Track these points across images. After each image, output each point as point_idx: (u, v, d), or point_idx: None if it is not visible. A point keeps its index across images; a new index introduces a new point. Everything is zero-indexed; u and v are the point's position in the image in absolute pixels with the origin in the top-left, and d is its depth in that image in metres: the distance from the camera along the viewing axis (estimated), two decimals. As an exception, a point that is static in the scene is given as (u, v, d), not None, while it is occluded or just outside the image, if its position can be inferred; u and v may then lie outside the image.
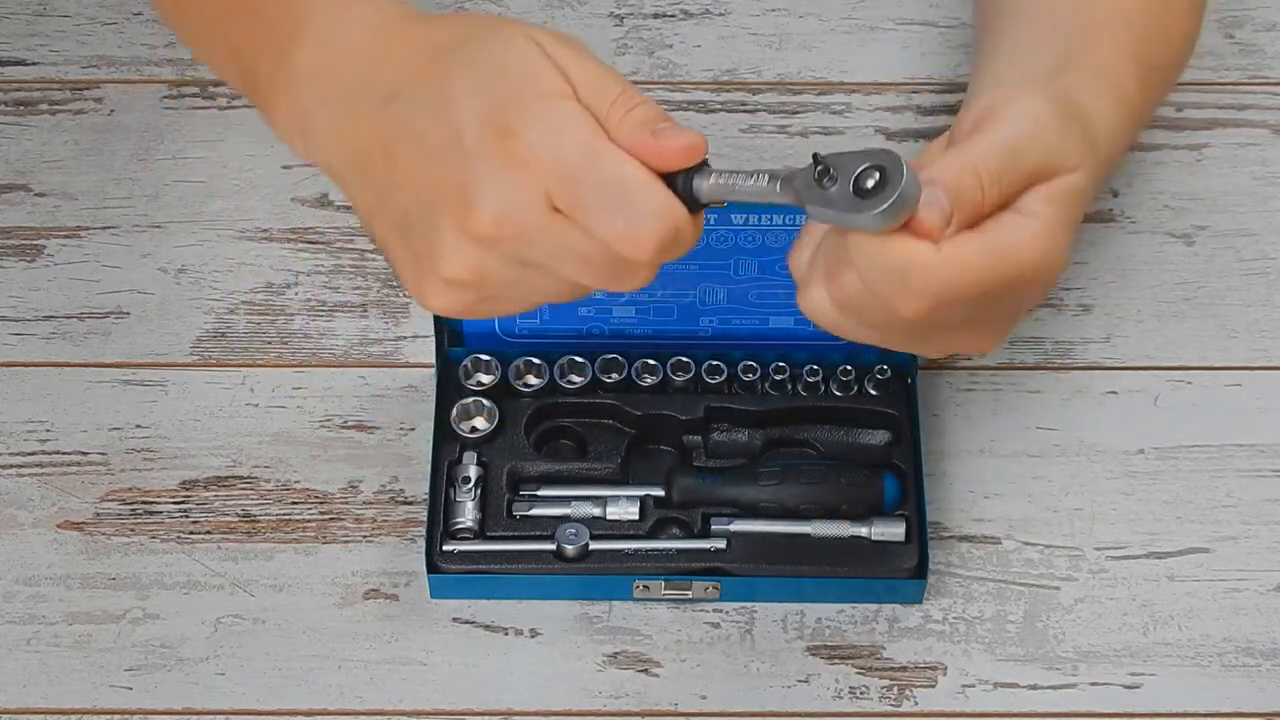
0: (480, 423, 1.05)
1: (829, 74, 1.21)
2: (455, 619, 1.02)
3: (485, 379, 1.07)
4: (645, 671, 1.00)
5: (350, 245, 1.14)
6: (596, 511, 1.02)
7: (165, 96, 1.20)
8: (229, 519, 1.05)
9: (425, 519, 1.03)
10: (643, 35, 1.23)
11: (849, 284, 0.81)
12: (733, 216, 1.02)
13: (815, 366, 1.06)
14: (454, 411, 1.05)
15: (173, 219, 1.15)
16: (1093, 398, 1.09)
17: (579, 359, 1.06)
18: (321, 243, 1.15)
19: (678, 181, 0.80)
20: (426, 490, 1.04)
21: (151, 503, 1.05)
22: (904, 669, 1.01)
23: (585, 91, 0.80)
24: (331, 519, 1.05)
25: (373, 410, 1.09)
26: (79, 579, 1.03)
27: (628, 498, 1.03)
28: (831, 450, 1.05)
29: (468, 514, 1.02)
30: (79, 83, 1.21)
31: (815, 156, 0.79)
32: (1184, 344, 1.11)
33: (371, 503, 1.05)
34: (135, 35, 1.23)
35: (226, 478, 1.06)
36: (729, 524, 1.02)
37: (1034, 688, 1.00)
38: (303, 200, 1.16)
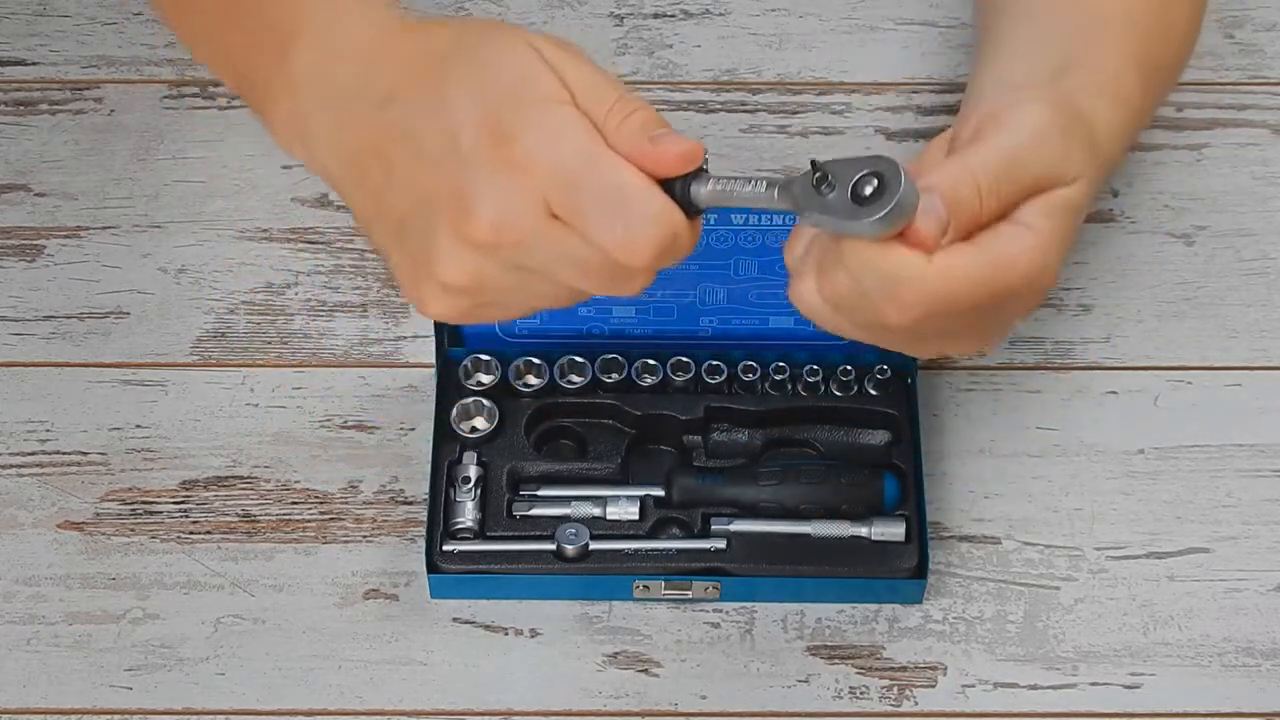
0: (480, 423, 1.05)
1: (829, 74, 1.21)
2: (455, 619, 1.02)
3: (485, 379, 1.07)
4: (645, 671, 1.00)
5: (350, 245, 1.14)
6: (596, 511, 1.02)
7: (165, 96, 1.20)
8: (229, 519, 1.05)
9: (425, 519, 1.03)
10: (643, 35, 1.23)
11: (840, 282, 0.81)
12: (733, 216, 1.02)
13: (815, 366, 1.06)
14: (454, 411, 1.05)
15: (173, 219, 1.15)
16: (1093, 398, 1.09)
17: (579, 359, 1.06)
18: (321, 243, 1.15)
19: (675, 187, 0.80)
20: (426, 490, 1.04)
21: (151, 503, 1.05)
22: (904, 669, 1.01)
23: (583, 97, 0.80)
24: (331, 519, 1.05)
25: (373, 410, 1.09)
26: (79, 579, 1.03)
27: (628, 498, 1.03)
28: (831, 450, 1.05)
29: (468, 514, 1.02)
30: (79, 83, 1.21)
31: (813, 163, 0.79)
32: (1184, 344, 1.11)
33: (371, 503, 1.05)
34: (135, 35, 1.23)
35: (226, 478, 1.06)
36: (729, 524, 1.02)
37: (1034, 688, 1.00)
38: (303, 200, 1.16)
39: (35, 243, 1.14)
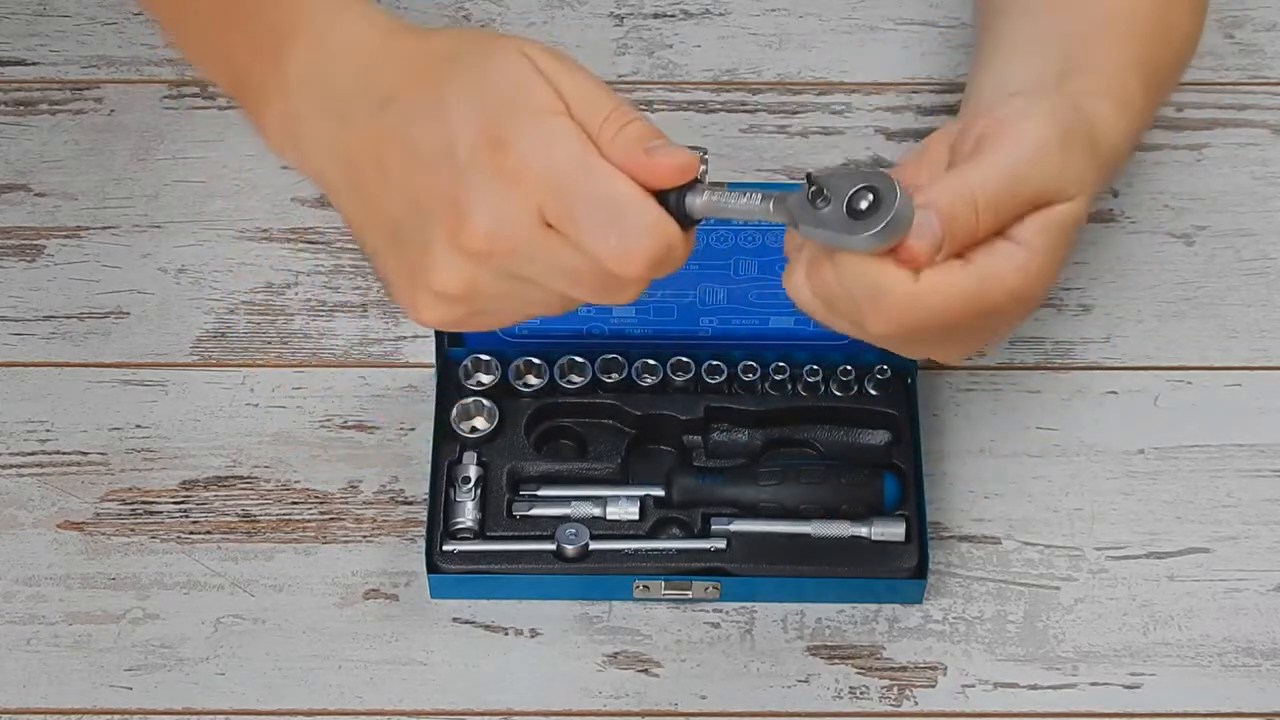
0: (480, 423, 1.05)
1: (829, 74, 1.21)
2: (455, 619, 1.02)
3: (485, 379, 1.07)
4: (645, 671, 1.00)
5: (350, 245, 1.14)
6: (596, 511, 1.02)
7: (165, 96, 1.20)
8: (229, 519, 1.05)
9: (425, 519, 1.03)
10: (643, 35, 1.23)
11: (828, 280, 0.82)
12: (733, 216, 1.02)
13: (815, 366, 1.06)
14: (454, 411, 1.05)
15: (173, 219, 1.15)
16: (1093, 398, 1.09)
17: (579, 359, 1.06)
18: (321, 243, 1.15)
19: (670, 199, 0.80)
20: (426, 490, 1.04)
21: (151, 503, 1.05)
22: (904, 669, 1.01)
23: (578, 107, 0.80)
24: (331, 519, 1.05)
25: (373, 410, 1.09)
26: (79, 579, 1.03)
27: (628, 498, 1.03)
28: (831, 450, 1.05)
29: (468, 514, 1.02)
30: (79, 83, 1.21)
31: (809, 176, 0.79)
32: (1184, 344, 1.11)
33: (371, 503, 1.05)
34: (135, 35, 1.23)
35: (226, 478, 1.06)
36: (729, 524, 1.02)
37: (1034, 688, 1.00)
38: (303, 200, 1.16)
39: (35, 243, 1.14)
